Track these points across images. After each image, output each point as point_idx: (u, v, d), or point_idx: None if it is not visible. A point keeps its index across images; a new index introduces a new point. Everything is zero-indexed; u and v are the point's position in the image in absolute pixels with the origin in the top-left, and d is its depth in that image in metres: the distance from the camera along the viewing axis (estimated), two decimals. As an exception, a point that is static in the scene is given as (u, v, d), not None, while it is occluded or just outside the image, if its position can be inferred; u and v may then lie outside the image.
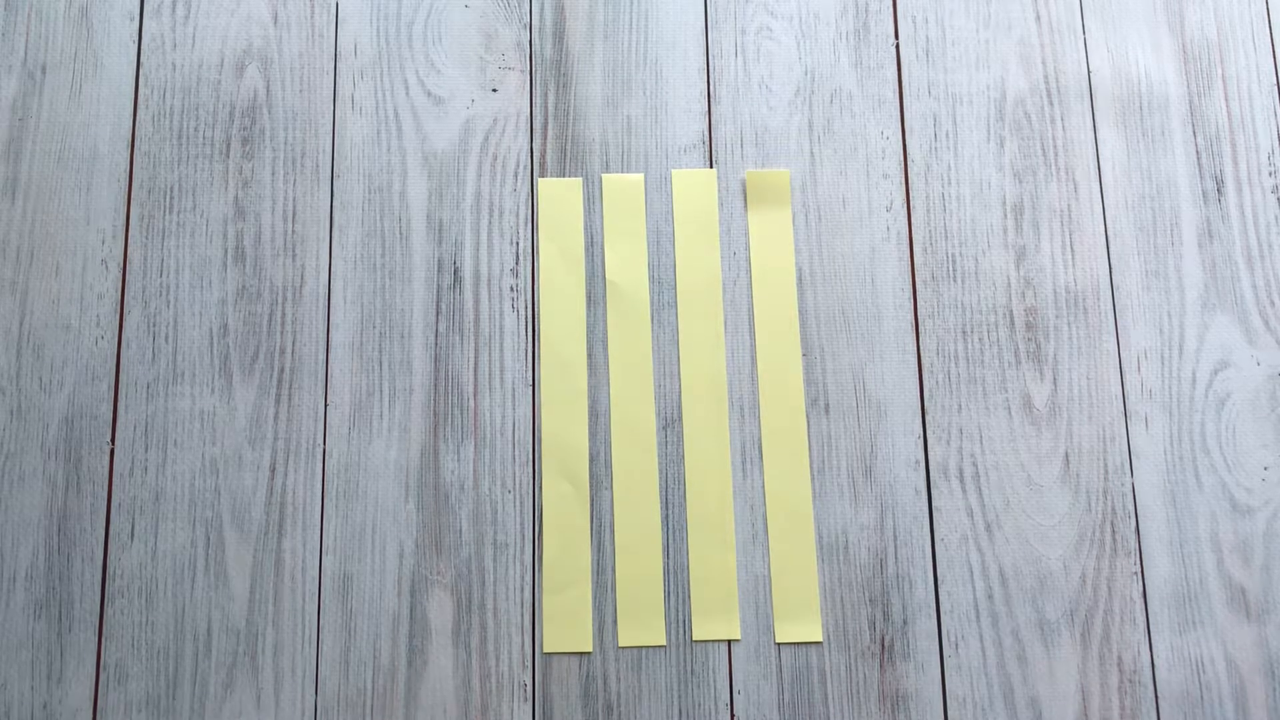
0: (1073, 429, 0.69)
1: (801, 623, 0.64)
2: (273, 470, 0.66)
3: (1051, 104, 0.74)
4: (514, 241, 0.70)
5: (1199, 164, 0.73)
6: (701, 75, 0.73)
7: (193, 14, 0.72)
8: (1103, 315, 0.71)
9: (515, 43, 0.73)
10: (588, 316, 0.69)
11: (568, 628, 0.64)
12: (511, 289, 0.69)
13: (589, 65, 0.73)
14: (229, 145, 0.71)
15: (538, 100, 0.72)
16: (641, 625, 0.64)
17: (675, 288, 0.70)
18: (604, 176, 0.71)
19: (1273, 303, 0.71)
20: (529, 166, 0.71)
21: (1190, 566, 0.67)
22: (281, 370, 0.67)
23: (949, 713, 0.64)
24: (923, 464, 0.68)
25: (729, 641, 0.65)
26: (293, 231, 0.70)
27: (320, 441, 0.67)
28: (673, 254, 0.70)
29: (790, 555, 0.65)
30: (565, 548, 0.65)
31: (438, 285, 0.69)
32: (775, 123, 0.72)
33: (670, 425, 0.67)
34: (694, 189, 0.71)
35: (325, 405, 0.67)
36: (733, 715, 0.64)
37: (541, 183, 0.70)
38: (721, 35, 0.74)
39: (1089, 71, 0.74)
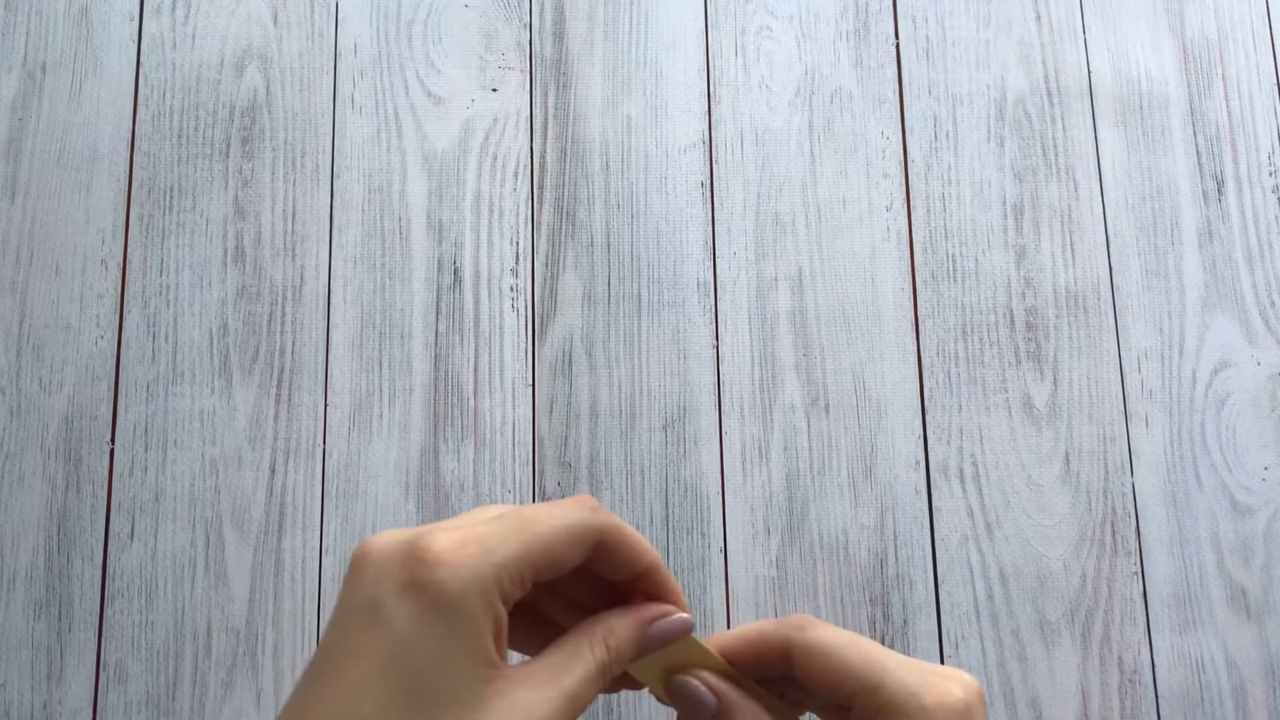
0: (1073, 429, 0.69)
1: None
2: (272, 470, 0.66)
3: (1052, 104, 0.74)
4: (514, 241, 0.70)
5: (1199, 164, 0.73)
6: (701, 75, 0.73)
7: (192, 14, 0.72)
8: (1103, 315, 0.70)
9: (515, 42, 0.73)
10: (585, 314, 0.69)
11: None
12: (511, 289, 0.69)
13: (589, 65, 0.73)
14: (229, 145, 0.70)
15: (538, 100, 0.72)
16: None
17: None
18: None
19: (1273, 302, 0.71)
20: (529, 166, 0.71)
21: (1190, 566, 0.67)
22: (281, 370, 0.67)
23: (949, 713, 0.64)
24: (923, 464, 0.68)
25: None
26: (292, 231, 0.69)
27: (320, 441, 0.67)
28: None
29: None
30: None
31: (438, 285, 0.69)
32: (775, 123, 0.72)
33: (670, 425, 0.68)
34: None
35: (325, 405, 0.67)
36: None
37: None
38: (721, 35, 0.74)
39: (1089, 71, 0.74)
